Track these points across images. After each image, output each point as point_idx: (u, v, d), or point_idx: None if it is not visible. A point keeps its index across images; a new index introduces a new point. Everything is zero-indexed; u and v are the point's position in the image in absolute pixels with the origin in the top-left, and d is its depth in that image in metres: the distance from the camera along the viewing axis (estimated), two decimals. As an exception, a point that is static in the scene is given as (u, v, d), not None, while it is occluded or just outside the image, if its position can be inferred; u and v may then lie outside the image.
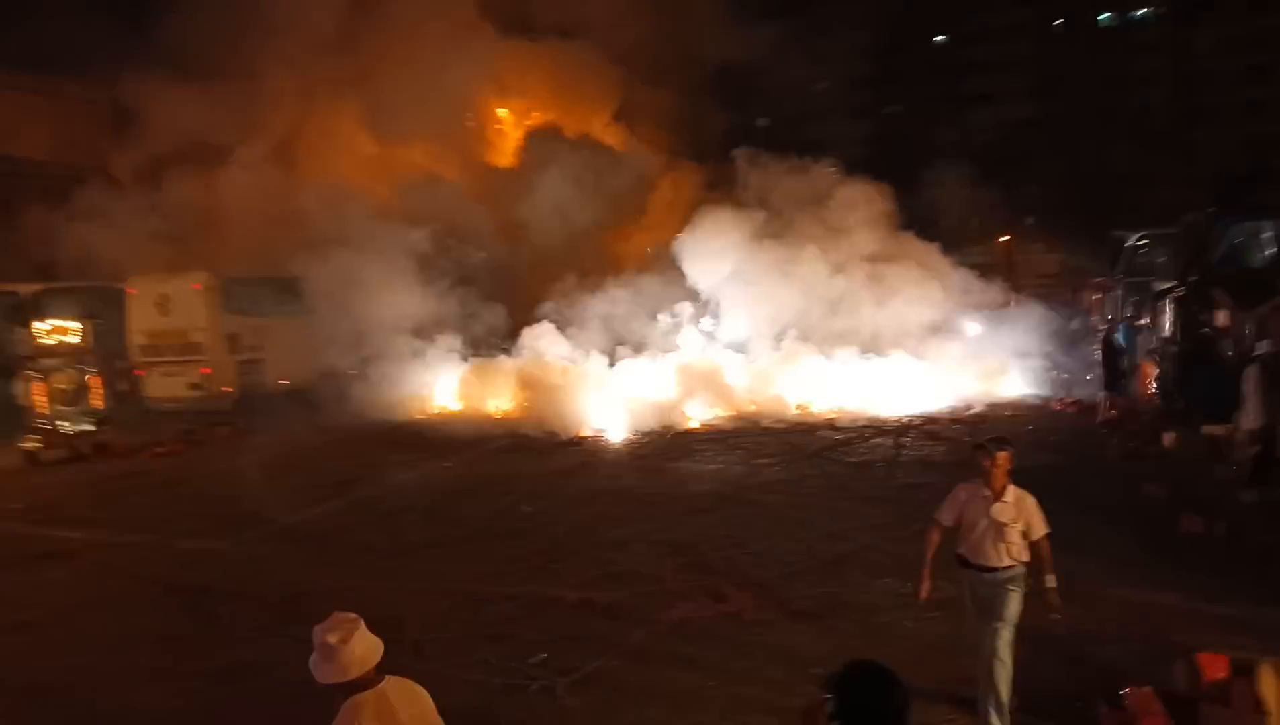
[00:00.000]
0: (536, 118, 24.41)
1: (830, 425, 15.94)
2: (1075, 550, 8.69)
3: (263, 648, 7.28)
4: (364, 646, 3.28)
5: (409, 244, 18.21)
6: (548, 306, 18.99)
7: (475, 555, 9.57)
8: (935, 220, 28.42)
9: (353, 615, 3.32)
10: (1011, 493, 5.55)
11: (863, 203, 20.09)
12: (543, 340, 18.29)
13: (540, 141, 23.21)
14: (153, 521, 11.34)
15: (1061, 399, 17.10)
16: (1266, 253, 15.17)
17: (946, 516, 5.72)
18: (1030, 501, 5.57)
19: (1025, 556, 5.54)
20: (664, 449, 14.61)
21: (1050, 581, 5.57)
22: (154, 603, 8.62)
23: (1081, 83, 57.75)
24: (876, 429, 15.43)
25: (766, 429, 15.88)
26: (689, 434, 15.91)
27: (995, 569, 5.54)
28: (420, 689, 3.45)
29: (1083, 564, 8.31)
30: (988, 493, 5.55)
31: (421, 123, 21.38)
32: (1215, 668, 5.30)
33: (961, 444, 13.93)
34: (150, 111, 21.32)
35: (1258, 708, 5.05)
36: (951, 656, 6.19)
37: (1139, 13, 62.48)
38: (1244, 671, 5.18)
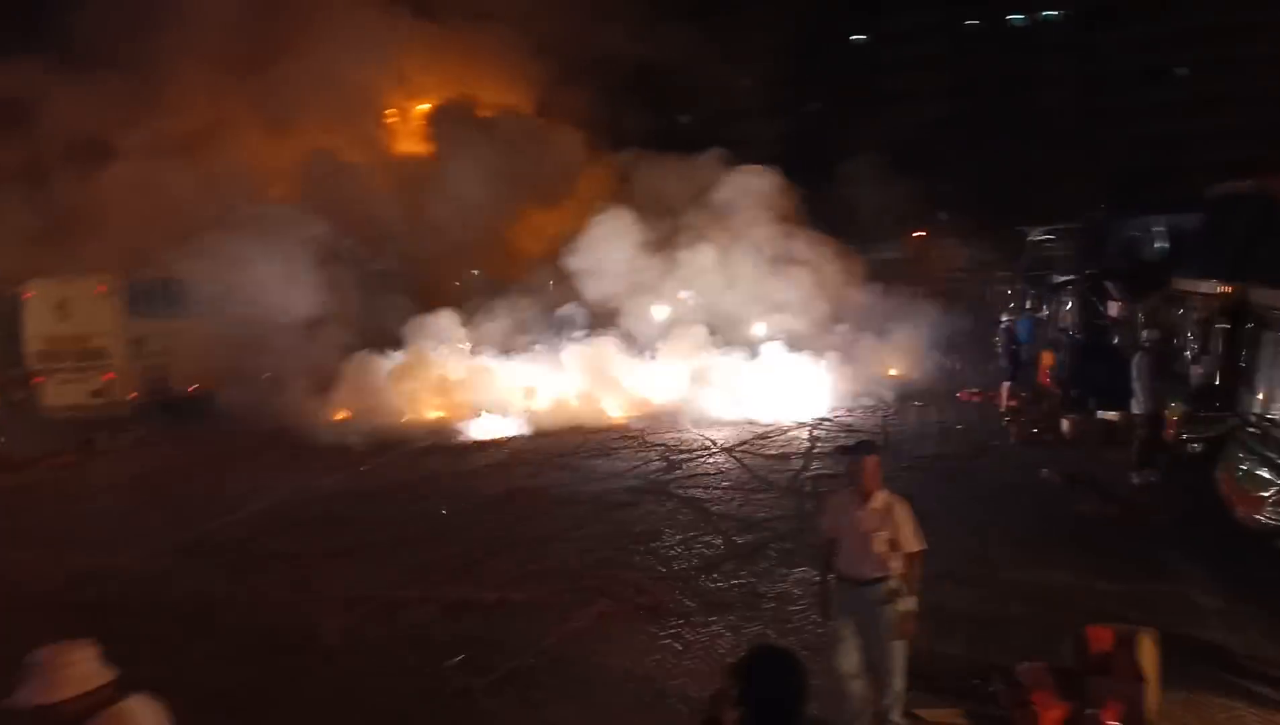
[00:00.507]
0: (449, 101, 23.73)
1: (746, 422, 16.15)
2: (978, 533, 9.11)
3: (166, 666, 7.07)
4: (80, 669, 3.09)
5: (308, 234, 17.55)
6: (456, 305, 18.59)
7: (391, 560, 9.45)
8: (853, 216, 29.07)
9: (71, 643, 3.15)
10: (880, 498, 5.27)
11: (755, 196, 20.00)
12: (443, 334, 17.88)
13: (450, 120, 22.19)
14: (45, 537, 10.82)
15: (966, 389, 17.67)
16: (1157, 247, 15.98)
17: (827, 525, 5.47)
18: (901, 510, 5.26)
19: (898, 568, 5.20)
20: (581, 447, 14.62)
21: (910, 603, 5.20)
22: (43, 624, 8.26)
23: (993, 82, 59.71)
24: (791, 424, 15.69)
25: (678, 426, 16.01)
26: (605, 432, 15.95)
27: (866, 581, 5.20)
28: (159, 710, 3.27)
29: (985, 546, 8.70)
30: (856, 499, 5.32)
31: (323, 110, 20.68)
32: (1101, 640, 5.58)
33: (877, 434, 14.33)
34: (33, 103, 20.15)
35: (1137, 676, 5.35)
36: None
37: (1046, 14, 64.85)
38: (1126, 643, 5.47)
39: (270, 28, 20.54)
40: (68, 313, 17.82)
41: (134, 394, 18.00)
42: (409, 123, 23.53)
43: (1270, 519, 6.99)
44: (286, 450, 15.01)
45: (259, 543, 10.25)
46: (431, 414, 17.20)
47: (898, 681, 5.23)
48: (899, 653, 5.20)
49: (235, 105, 20.53)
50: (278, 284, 16.65)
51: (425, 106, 23.87)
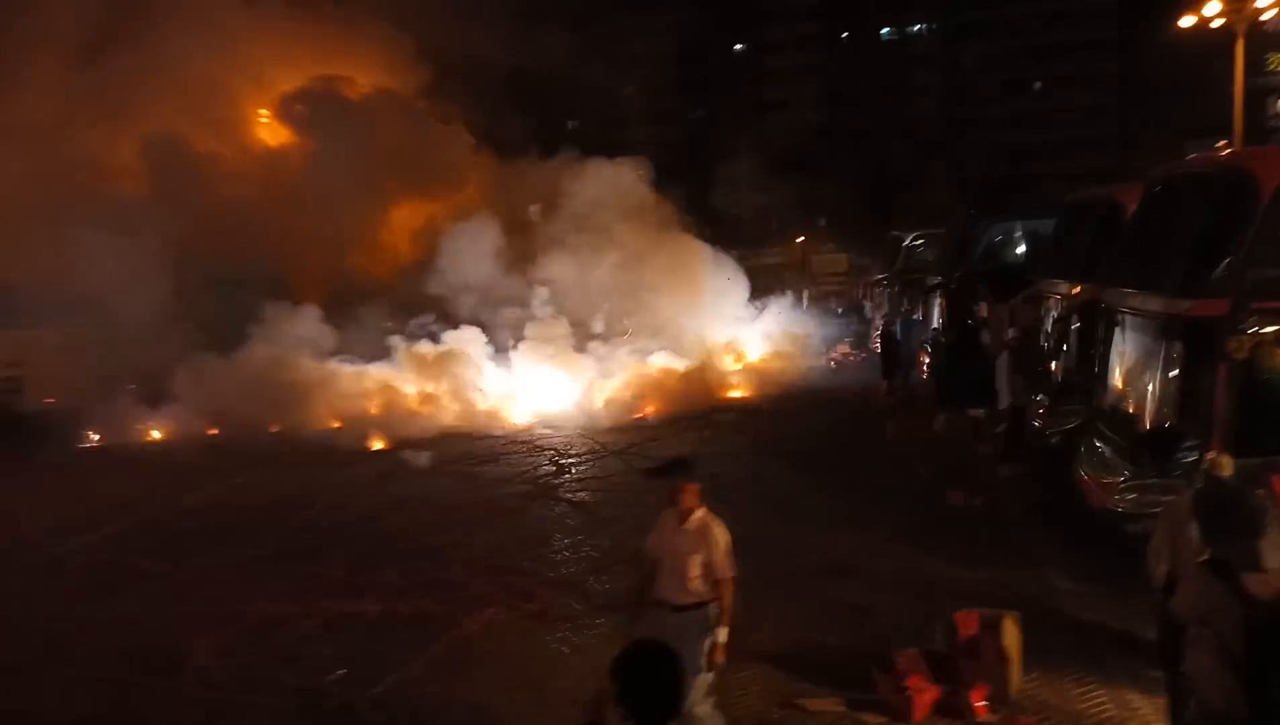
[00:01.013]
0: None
1: (637, 421, 16.27)
2: (856, 524, 9.44)
3: (20, 695, 6.63)
4: None
5: (156, 230, 16.62)
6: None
7: (271, 575, 9.09)
8: (736, 222, 29.69)
9: None
10: (695, 520, 4.97)
11: (614, 194, 19.94)
12: (305, 336, 17.26)
13: (311, 100, 20.66)
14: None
15: (850, 387, 18.30)
16: (1019, 250, 16.91)
17: (650, 544, 5.15)
18: (716, 533, 4.95)
19: (711, 594, 4.93)
20: (470, 453, 14.44)
21: (721, 635, 4.92)
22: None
23: (865, 92, 62.08)
24: (673, 421, 15.86)
25: (562, 429, 15.98)
26: (496, 437, 15.79)
27: (680, 607, 4.91)
28: None
29: (862, 537, 9.02)
30: (673, 521, 5.03)
31: (167, 98, 19.59)
32: (968, 625, 5.87)
33: (758, 437, 14.67)
34: None
35: (1001, 657, 5.65)
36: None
37: (915, 28, 67.80)
38: (991, 627, 5.77)
39: (111, 15, 19.26)
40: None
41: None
42: (270, 116, 22.27)
43: (1119, 505, 7.48)
44: (154, 464, 14.25)
45: (125, 562, 9.68)
46: (306, 421, 16.49)
47: (698, 709, 4.81)
48: (702, 685, 4.85)
49: (75, 95, 19.10)
50: (126, 285, 15.63)
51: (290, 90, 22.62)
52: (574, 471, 12.89)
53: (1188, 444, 6.65)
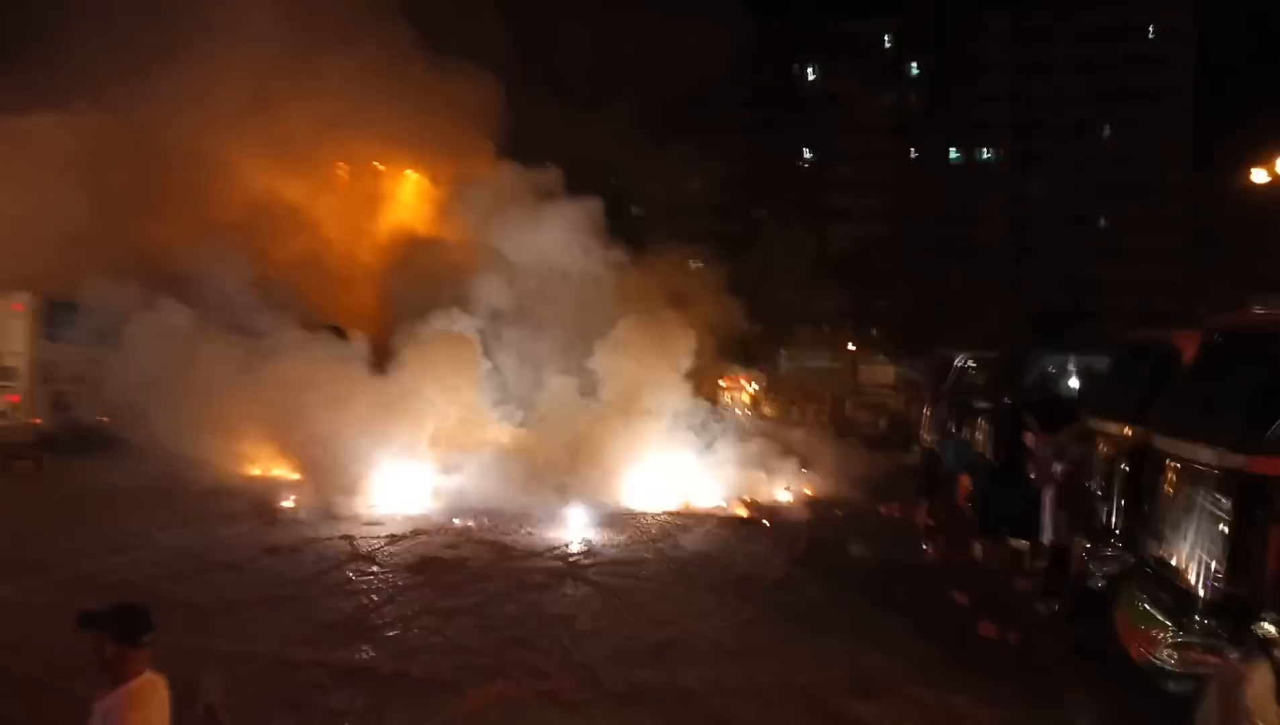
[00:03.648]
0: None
1: (669, 514, 16.11)
2: (884, 644, 9.20)
3: (35, 705, 6.67)
4: None
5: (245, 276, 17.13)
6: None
7: (291, 617, 9.13)
8: (786, 321, 29.88)
9: None
10: (115, 700, 3.62)
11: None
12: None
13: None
14: (-79, 562, 10.22)
15: (888, 504, 17.99)
16: (1071, 383, 16.69)
17: None
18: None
19: None
20: (503, 523, 14.40)
21: None
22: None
23: (930, 210, 62.71)
24: (709, 517, 15.72)
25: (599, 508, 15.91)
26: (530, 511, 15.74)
27: None
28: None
29: (889, 658, 8.78)
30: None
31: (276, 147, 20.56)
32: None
33: (793, 540, 14.45)
34: None
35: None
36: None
37: (983, 154, 68.71)
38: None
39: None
40: (-20, 330, 17.14)
41: (38, 419, 17.22)
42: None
43: (1161, 660, 7.21)
44: (199, 491, 14.45)
45: (150, 586, 9.76)
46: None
47: None
48: None
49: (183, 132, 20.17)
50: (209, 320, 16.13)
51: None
52: (605, 553, 12.77)
53: (1241, 607, 6.42)
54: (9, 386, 17.13)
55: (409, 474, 15.69)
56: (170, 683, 3.42)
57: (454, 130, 22.28)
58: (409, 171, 23.32)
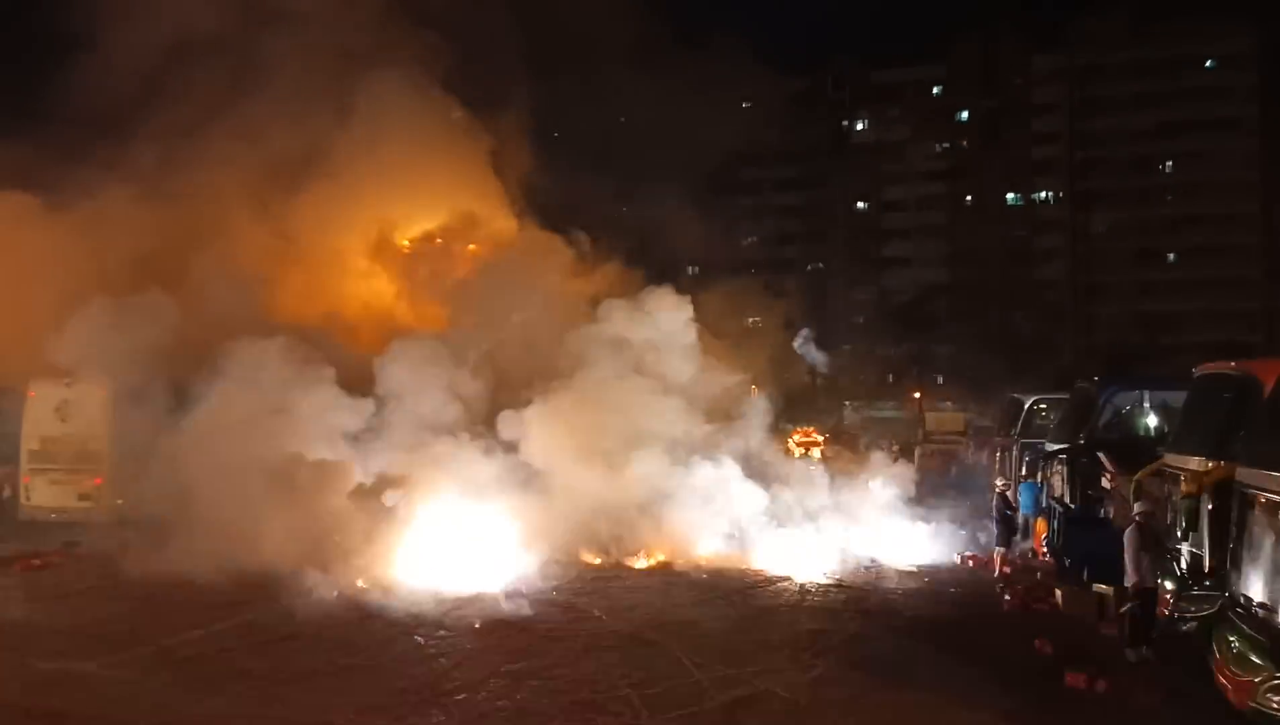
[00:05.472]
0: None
1: (740, 572, 15.87)
2: (967, 698, 8.88)
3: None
4: None
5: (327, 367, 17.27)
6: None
7: (361, 686, 9.20)
8: (850, 372, 29.56)
9: None
10: None
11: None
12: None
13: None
14: (14, 639, 10.53)
15: (961, 553, 17.47)
16: (1148, 421, 16.15)
17: None
18: None
19: None
20: (571, 584, 14.36)
21: None
22: (4, 727, 8.01)
23: (989, 253, 61.85)
24: (779, 577, 15.42)
25: (671, 570, 15.77)
26: (597, 569, 15.69)
27: None
28: None
29: (973, 713, 8.47)
30: None
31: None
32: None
33: (865, 593, 14.13)
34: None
35: None
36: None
37: (1042, 194, 67.76)
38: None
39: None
40: (66, 414, 17.88)
41: (122, 499, 17.81)
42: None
43: (1261, 704, 6.82)
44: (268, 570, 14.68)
45: (226, 658, 9.98)
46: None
47: None
48: None
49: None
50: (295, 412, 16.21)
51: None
52: (672, 613, 12.61)
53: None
54: (95, 469, 17.77)
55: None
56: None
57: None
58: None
